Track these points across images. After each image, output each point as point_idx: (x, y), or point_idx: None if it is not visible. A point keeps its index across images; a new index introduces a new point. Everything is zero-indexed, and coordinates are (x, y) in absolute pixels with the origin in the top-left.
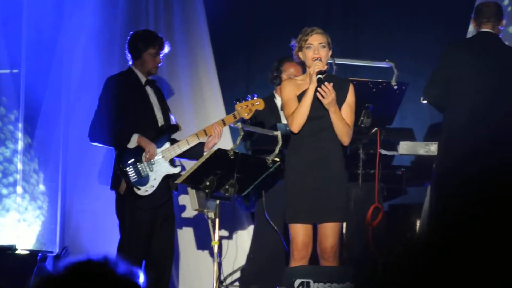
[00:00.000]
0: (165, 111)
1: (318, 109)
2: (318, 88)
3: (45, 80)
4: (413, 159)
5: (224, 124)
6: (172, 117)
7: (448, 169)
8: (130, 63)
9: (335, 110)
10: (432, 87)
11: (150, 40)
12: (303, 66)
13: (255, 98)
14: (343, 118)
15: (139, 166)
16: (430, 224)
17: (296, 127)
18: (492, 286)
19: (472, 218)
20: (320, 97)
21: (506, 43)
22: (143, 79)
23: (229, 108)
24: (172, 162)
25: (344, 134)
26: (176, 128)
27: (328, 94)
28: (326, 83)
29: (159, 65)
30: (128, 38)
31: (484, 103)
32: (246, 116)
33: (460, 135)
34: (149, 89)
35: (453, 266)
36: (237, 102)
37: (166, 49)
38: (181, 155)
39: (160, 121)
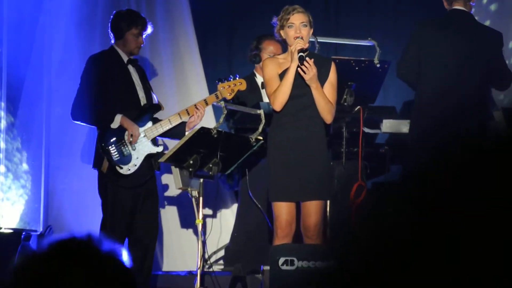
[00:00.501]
0: (147, 90)
1: (300, 87)
2: (301, 65)
3: (27, 59)
4: (396, 137)
5: (207, 104)
6: (154, 96)
7: (418, 140)
8: (113, 42)
9: (317, 87)
10: (404, 64)
11: (133, 20)
12: (283, 44)
13: (237, 78)
14: (325, 96)
15: (121, 145)
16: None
17: (278, 105)
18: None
19: (443, 184)
20: (302, 73)
21: (488, 21)
22: (125, 58)
23: (212, 86)
24: (154, 141)
25: (326, 111)
26: (158, 107)
27: (309, 69)
28: (307, 59)
29: (142, 45)
30: (112, 17)
31: (454, 78)
32: (229, 96)
33: (430, 109)
34: (131, 68)
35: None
36: (219, 82)
37: (149, 29)
38: (163, 134)
39: (143, 100)
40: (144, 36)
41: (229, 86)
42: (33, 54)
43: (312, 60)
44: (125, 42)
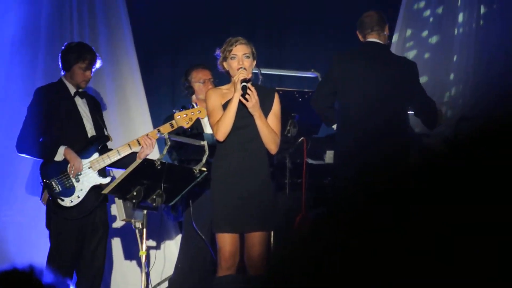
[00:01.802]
0: (97, 121)
1: (244, 119)
2: (243, 95)
3: None
4: None
5: (161, 133)
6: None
7: (339, 168)
8: (62, 73)
9: (260, 115)
10: (318, 99)
11: (81, 54)
12: (210, 69)
13: (196, 106)
14: (268, 125)
15: (63, 177)
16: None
17: (221, 135)
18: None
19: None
20: (244, 101)
21: (427, 54)
22: (72, 91)
23: (154, 114)
24: (102, 172)
25: (270, 141)
26: (106, 138)
27: (251, 97)
28: (249, 85)
29: (89, 79)
30: (62, 48)
31: (371, 105)
32: (186, 125)
33: (347, 137)
34: (79, 100)
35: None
36: (176, 111)
37: (98, 64)
38: (114, 165)
39: (91, 132)
40: (93, 70)
41: (186, 114)
42: None
43: (254, 88)
44: (72, 75)
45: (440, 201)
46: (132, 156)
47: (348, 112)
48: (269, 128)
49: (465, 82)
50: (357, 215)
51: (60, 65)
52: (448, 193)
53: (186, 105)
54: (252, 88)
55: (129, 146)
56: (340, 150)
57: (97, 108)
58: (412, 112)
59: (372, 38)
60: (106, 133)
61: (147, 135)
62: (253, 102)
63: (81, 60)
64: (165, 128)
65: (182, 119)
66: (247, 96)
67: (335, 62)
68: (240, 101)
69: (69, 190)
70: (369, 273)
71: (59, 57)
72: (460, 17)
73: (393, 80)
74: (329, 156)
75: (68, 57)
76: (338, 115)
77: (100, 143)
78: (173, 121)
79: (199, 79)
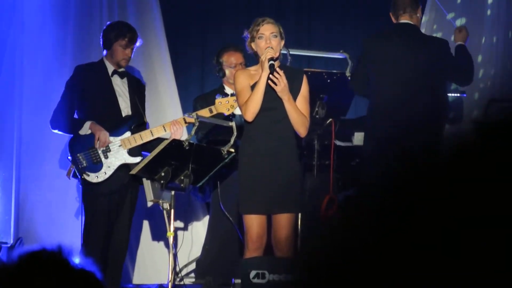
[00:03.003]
0: (135, 102)
1: (272, 100)
2: (270, 76)
3: None
4: None
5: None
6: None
7: (371, 153)
8: (104, 53)
9: (289, 99)
10: (355, 81)
11: (120, 32)
12: (244, 52)
13: (230, 94)
14: (297, 108)
15: (91, 152)
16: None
17: (250, 115)
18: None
19: (393, 199)
20: (272, 85)
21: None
22: (110, 70)
23: (183, 96)
24: (134, 152)
25: (300, 124)
26: (141, 118)
27: (280, 80)
28: (278, 69)
29: (130, 57)
30: (104, 28)
31: (402, 91)
32: (227, 112)
33: (384, 120)
34: (117, 80)
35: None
36: (219, 96)
37: (138, 43)
38: (143, 148)
39: (126, 111)
40: (134, 48)
41: (228, 102)
42: (4, 62)
43: (283, 71)
44: (112, 53)
45: (467, 193)
46: (158, 141)
47: (381, 94)
48: (298, 111)
49: (494, 64)
50: (386, 202)
51: (102, 44)
52: (476, 184)
53: (219, 90)
54: (281, 72)
55: (164, 127)
56: (371, 133)
57: (139, 89)
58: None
59: (405, 20)
60: (143, 115)
61: (183, 118)
62: (281, 86)
63: (121, 37)
64: (204, 113)
65: (223, 105)
66: (275, 80)
67: (366, 45)
68: (268, 83)
69: (96, 166)
70: (396, 263)
71: (101, 36)
72: None
73: (425, 60)
74: (357, 138)
75: (109, 35)
76: (370, 98)
77: (134, 123)
78: (213, 107)
79: (231, 63)
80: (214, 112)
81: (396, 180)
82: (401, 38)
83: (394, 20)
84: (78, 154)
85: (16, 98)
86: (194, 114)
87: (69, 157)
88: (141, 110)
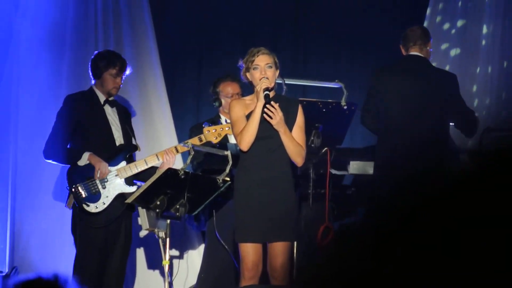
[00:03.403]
0: (126, 131)
1: (267, 130)
2: (265, 110)
3: None
4: (363, 179)
5: (188, 147)
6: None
7: (382, 188)
8: (92, 82)
9: (285, 131)
10: (365, 115)
11: (111, 61)
12: (240, 82)
13: (226, 123)
14: (293, 139)
15: (89, 183)
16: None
17: (245, 145)
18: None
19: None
20: (268, 118)
21: (447, 66)
22: (102, 99)
23: (179, 125)
24: (129, 181)
25: (296, 154)
26: (134, 147)
27: (275, 113)
28: (272, 103)
29: (120, 86)
30: (92, 57)
31: (410, 120)
32: (215, 140)
33: (392, 155)
34: (108, 109)
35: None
36: (207, 125)
37: (128, 71)
38: (136, 177)
39: (119, 140)
40: (123, 77)
41: (216, 130)
42: (0, 90)
43: (278, 104)
44: (103, 82)
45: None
46: (153, 170)
47: (389, 124)
48: (294, 142)
49: (489, 93)
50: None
51: (90, 74)
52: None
53: (215, 119)
54: (276, 105)
55: (157, 156)
56: (381, 162)
57: (127, 117)
58: (453, 124)
59: (414, 52)
60: (134, 143)
61: (175, 147)
62: (277, 119)
63: (111, 66)
64: (194, 142)
65: (211, 134)
66: (270, 113)
67: (375, 78)
68: (262, 113)
69: (95, 196)
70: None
71: (89, 65)
72: (484, 29)
73: (433, 92)
74: (353, 166)
75: (98, 64)
76: (379, 127)
77: (128, 152)
78: (202, 135)
79: (227, 93)
80: (204, 141)
81: (407, 203)
82: (410, 68)
83: (404, 53)
84: (77, 185)
85: (11, 128)
86: (189, 143)
87: (68, 188)
88: (134, 138)
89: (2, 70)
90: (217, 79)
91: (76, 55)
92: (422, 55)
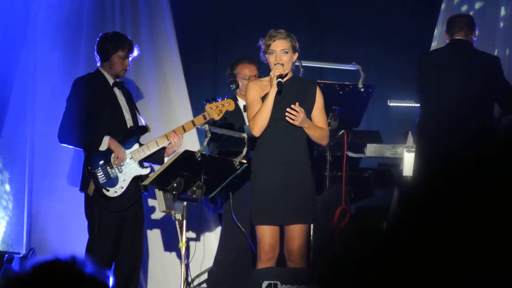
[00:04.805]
0: (134, 112)
1: (282, 111)
2: (286, 113)
3: (11, 80)
4: (379, 161)
5: (194, 125)
6: (141, 119)
7: (423, 176)
8: (99, 64)
9: (309, 126)
10: (419, 93)
11: (119, 43)
12: (258, 64)
13: (225, 99)
14: (316, 127)
15: (108, 167)
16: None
17: (257, 130)
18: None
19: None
20: (290, 121)
21: None
22: (111, 81)
23: (196, 107)
24: (141, 163)
25: (321, 139)
26: (145, 129)
27: (297, 116)
28: (293, 106)
29: (128, 68)
30: (98, 39)
31: (457, 103)
32: (217, 117)
33: (434, 137)
34: (117, 91)
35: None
36: (207, 103)
37: (135, 52)
38: (145, 158)
39: (129, 122)
40: (130, 58)
41: (217, 106)
42: (17, 75)
43: (297, 104)
44: (111, 65)
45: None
46: (162, 150)
47: (434, 110)
48: (317, 129)
49: (506, 75)
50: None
51: (98, 56)
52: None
53: (214, 98)
54: (296, 107)
55: (166, 137)
56: (423, 146)
57: (131, 99)
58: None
59: (459, 37)
60: (144, 124)
61: (174, 131)
62: (299, 120)
63: (120, 48)
64: (198, 120)
65: (213, 110)
66: (292, 116)
67: (420, 66)
68: (276, 94)
69: (113, 181)
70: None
71: (95, 48)
72: (502, 11)
73: (478, 75)
74: (369, 149)
75: (106, 46)
76: (422, 113)
77: (140, 134)
78: (206, 113)
79: (245, 75)
80: (208, 118)
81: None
82: (455, 52)
83: (448, 38)
84: (96, 170)
85: (28, 111)
86: (206, 125)
87: (87, 173)
88: (142, 119)
89: (19, 55)
90: (234, 61)
91: (92, 38)
92: (467, 40)
